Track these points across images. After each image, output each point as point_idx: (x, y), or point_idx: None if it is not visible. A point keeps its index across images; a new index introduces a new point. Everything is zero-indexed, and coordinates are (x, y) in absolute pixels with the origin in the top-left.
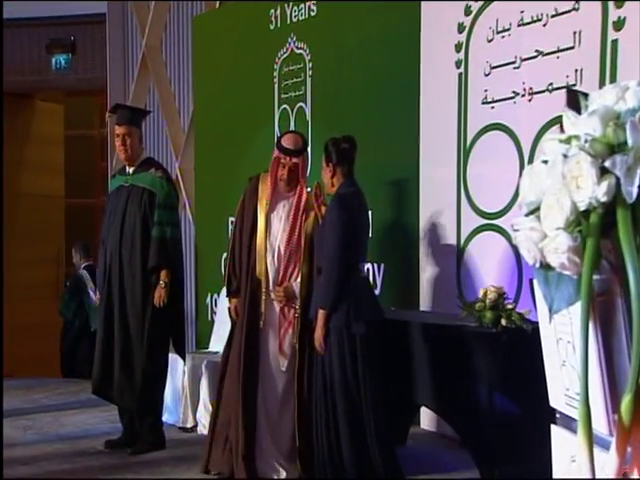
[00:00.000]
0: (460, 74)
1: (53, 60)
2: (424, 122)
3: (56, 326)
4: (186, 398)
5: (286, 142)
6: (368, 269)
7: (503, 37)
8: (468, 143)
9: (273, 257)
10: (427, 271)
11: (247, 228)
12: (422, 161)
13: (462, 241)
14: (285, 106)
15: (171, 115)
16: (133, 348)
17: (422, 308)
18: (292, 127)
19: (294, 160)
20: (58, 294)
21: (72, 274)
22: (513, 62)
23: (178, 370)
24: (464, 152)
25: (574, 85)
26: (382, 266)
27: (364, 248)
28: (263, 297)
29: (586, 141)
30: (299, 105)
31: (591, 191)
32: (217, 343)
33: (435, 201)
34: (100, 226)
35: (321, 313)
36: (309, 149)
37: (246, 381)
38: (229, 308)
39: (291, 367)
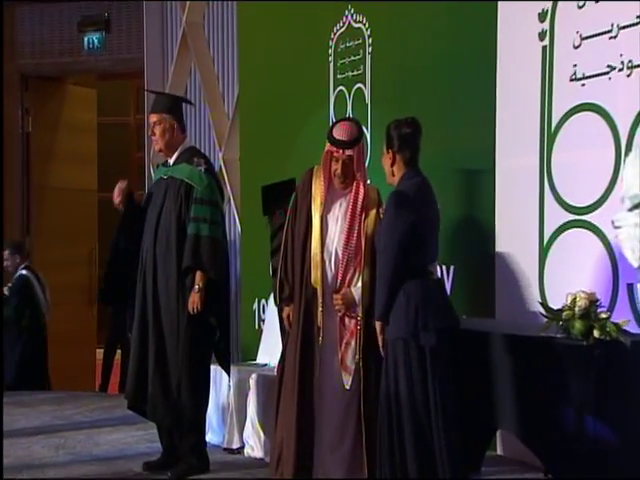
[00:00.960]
0: (544, 47)
1: (85, 40)
2: (501, 103)
3: (91, 334)
4: (232, 416)
5: (338, 133)
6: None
7: (597, 1)
8: (553, 127)
9: (330, 262)
10: (504, 274)
11: (300, 231)
12: (498, 148)
13: (545, 239)
14: (341, 88)
15: (214, 99)
16: (168, 358)
17: (498, 316)
18: (349, 111)
19: (348, 153)
20: (92, 299)
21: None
22: (609, 31)
23: (222, 385)
24: (548, 137)
25: None
26: (452, 268)
27: (433, 246)
28: (320, 308)
29: None
30: (357, 86)
31: None
32: (265, 354)
33: (513, 194)
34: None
35: (378, 325)
36: (368, 136)
37: (302, 404)
38: (281, 317)
39: (355, 385)
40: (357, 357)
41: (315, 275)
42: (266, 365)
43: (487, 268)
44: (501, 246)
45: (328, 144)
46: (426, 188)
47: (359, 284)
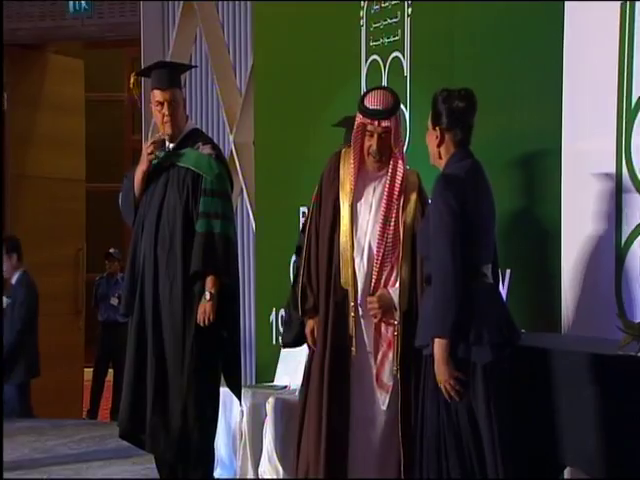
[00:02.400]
0: (623, 5)
1: (70, 2)
2: (569, 74)
3: (77, 350)
4: (244, 448)
5: (371, 101)
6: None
7: None
8: (633, 103)
9: (362, 258)
10: (571, 279)
11: (326, 224)
12: (566, 128)
13: (623, 239)
14: (375, 57)
15: (224, 72)
16: (171, 380)
17: (564, 330)
18: (385, 82)
19: (384, 124)
20: (79, 308)
21: (97, 281)
22: None
23: (233, 411)
24: (627, 115)
25: None
26: (507, 273)
27: (489, 244)
28: (352, 313)
29: None
30: (394, 55)
31: None
32: (284, 374)
33: (584, 183)
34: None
35: (439, 343)
36: (407, 115)
37: (332, 428)
38: (304, 332)
39: (394, 403)
40: (395, 370)
41: (345, 274)
42: (285, 387)
43: (551, 272)
44: (568, 245)
45: (359, 116)
46: (480, 173)
47: (397, 285)
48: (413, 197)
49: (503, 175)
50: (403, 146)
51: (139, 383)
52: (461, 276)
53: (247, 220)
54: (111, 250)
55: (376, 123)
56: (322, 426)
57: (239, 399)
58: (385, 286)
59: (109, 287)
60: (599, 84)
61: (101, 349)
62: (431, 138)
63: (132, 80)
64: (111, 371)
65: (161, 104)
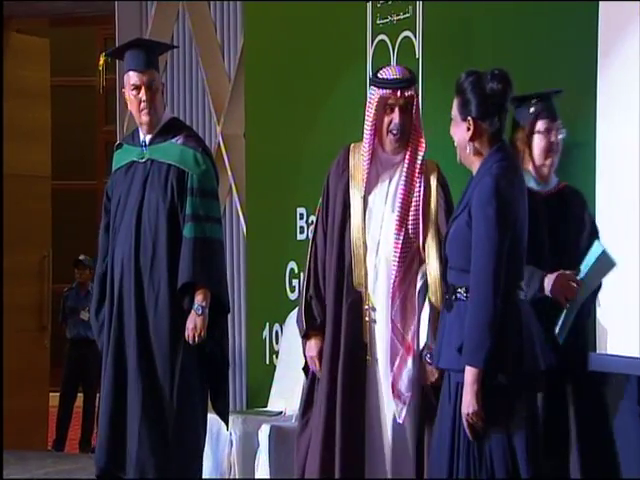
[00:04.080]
0: None
1: None
2: (603, 59)
3: (42, 371)
4: None
5: (388, 73)
6: None
7: None
8: None
9: (377, 255)
10: (608, 291)
11: (336, 221)
12: (600, 118)
13: None
14: (382, 37)
15: (210, 53)
16: (158, 406)
17: (600, 349)
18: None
19: (408, 93)
20: (44, 324)
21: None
22: None
23: (221, 440)
24: None
25: None
26: None
27: (524, 257)
28: (366, 317)
29: None
30: (404, 35)
31: None
32: (280, 398)
33: (622, 180)
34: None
35: (471, 372)
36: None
37: (347, 456)
38: (306, 354)
39: (412, 416)
40: (416, 377)
41: (359, 275)
42: (281, 413)
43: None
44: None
45: (376, 91)
46: (520, 176)
47: (420, 280)
48: (433, 182)
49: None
50: (422, 125)
51: (119, 412)
52: (501, 297)
53: (237, 223)
54: (81, 257)
55: (398, 93)
56: (336, 449)
57: (227, 426)
58: (404, 283)
59: (79, 299)
60: (636, 70)
61: (69, 370)
62: (459, 131)
63: (102, 61)
64: (81, 395)
65: (137, 88)
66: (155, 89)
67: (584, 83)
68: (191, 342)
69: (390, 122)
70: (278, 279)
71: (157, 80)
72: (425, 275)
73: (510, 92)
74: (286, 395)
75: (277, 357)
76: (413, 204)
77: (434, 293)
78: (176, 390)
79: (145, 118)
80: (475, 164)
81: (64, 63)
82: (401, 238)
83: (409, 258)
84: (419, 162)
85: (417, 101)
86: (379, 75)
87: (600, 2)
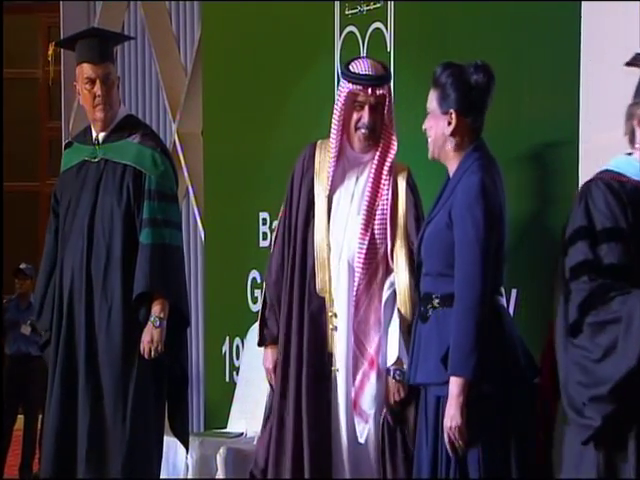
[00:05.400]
0: None
1: None
2: (586, 54)
3: None
4: None
5: (361, 67)
6: None
7: None
8: None
9: (340, 259)
10: None
11: (300, 221)
12: (583, 116)
13: None
14: (351, 28)
15: (165, 45)
16: (109, 429)
17: None
18: None
19: (380, 92)
20: None
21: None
22: None
23: (177, 464)
24: None
25: None
26: (513, 293)
27: (504, 258)
28: (330, 325)
29: None
30: (375, 27)
31: None
32: (240, 418)
33: None
34: (45, 226)
35: (456, 383)
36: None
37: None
38: (266, 366)
39: (375, 438)
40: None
41: (322, 279)
42: (242, 435)
43: None
44: None
45: (346, 85)
46: (499, 174)
47: (387, 291)
48: (402, 184)
49: (509, 173)
50: (394, 124)
51: (66, 434)
52: (488, 302)
53: (194, 228)
54: (22, 266)
55: (369, 90)
56: (305, 464)
57: (186, 449)
58: (368, 291)
59: (19, 312)
60: (620, 67)
61: (9, 390)
62: (437, 125)
63: (50, 52)
64: (21, 417)
65: (92, 82)
66: (111, 83)
67: (565, 76)
68: (147, 356)
69: (359, 120)
70: (239, 289)
71: (113, 74)
72: (393, 285)
73: (493, 86)
74: (247, 415)
75: (238, 374)
76: (380, 207)
77: (403, 304)
78: (130, 411)
79: (100, 114)
80: (452, 161)
81: (4, 54)
82: (366, 243)
83: (374, 265)
84: (388, 163)
85: (390, 100)
86: (350, 68)
87: (583, 2)
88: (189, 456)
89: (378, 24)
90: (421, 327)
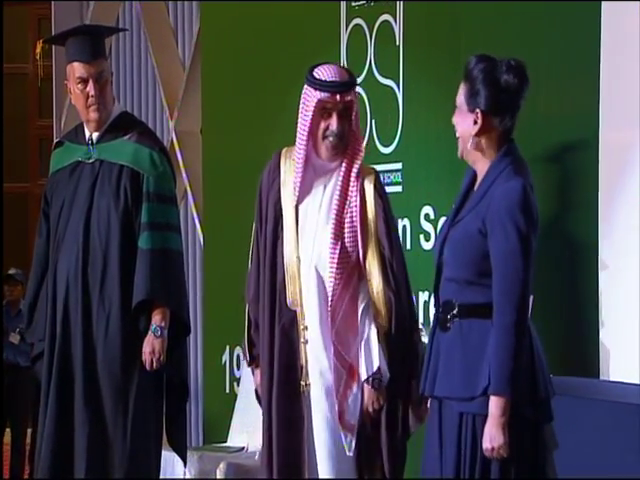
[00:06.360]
0: None
1: None
2: (606, 49)
3: None
4: None
5: (326, 74)
6: None
7: None
8: None
9: (310, 271)
10: (613, 308)
11: (269, 234)
12: (603, 115)
13: None
14: (358, 21)
15: (162, 38)
16: (109, 444)
17: (604, 376)
18: (370, 55)
19: (348, 98)
20: None
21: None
22: None
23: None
24: None
25: None
26: (530, 300)
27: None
28: (302, 338)
29: None
30: (383, 19)
31: None
32: (241, 432)
33: (628, 183)
34: (35, 231)
35: (499, 402)
36: (399, 95)
37: None
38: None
39: (361, 449)
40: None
41: (293, 292)
42: (242, 449)
43: (585, 300)
44: (608, 263)
45: (312, 92)
46: (531, 182)
47: (362, 303)
48: (370, 189)
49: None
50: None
51: (63, 451)
52: (527, 315)
53: (192, 231)
54: (11, 271)
55: (337, 97)
56: None
57: (185, 463)
58: (343, 300)
59: (9, 320)
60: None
61: None
62: (464, 122)
63: (39, 49)
64: (8, 431)
65: (84, 81)
66: (104, 81)
67: (585, 73)
68: (148, 368)
69: (327, 128)
70: (240, 295)
71: (106, 70)
72: (367, 294)
73: (526, 88)
74: (249, 428)
75: (238, 385)
76: (348, 214)
77: (379, 312)
78: (130, 426)
79: (94, 115)
80: (480, 162)
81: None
82: (337, 252)
83: (347, 274)
84: (355, 169)
85: (357, 106)
86: (315, 75)
87: (603, 2)
88: (187, 471)
89: (387, 16)
90: (440, 336)
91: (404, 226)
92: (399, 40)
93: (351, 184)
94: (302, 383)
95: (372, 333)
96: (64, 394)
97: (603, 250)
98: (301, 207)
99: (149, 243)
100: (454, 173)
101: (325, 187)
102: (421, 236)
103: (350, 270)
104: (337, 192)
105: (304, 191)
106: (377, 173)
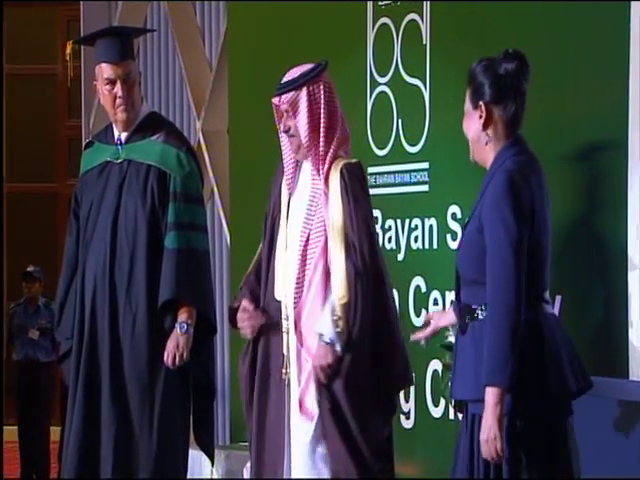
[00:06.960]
0: None
1: None
2: (635, 48)
3: None
4: None
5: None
6: None
7: None
8: None
9: (292, 262)
10: None
11: (268, 229)
12: (632, 114)
13: None
14: (385, 20)
15: (189, 39)
16: (136, 443)
17: (633, 376)
18: (397, 53)
19: (278, 100)
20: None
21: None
22: None
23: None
24: None
25: None
26: (557, 300)
27: (549, 265)
28: (283, 328)
29: None
30: (410, 18)
31: None
32: None
33: None
34: (65, 231)
35: (493, 393)
36: (426, 94)
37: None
38: None
39: (320, 436)
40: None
41: (279, 282)
42: None
43: (614, 301)
44: (637, 264)
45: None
46: (540, 172)
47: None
48: (335, 176)
49: (553, 174)
50: (322, 125)
51: (90, 449)
52: (521, 308)
53: (219, 231)
54: (30, 268)
55: (277, 100)
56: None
57: (212, 462)
58: (310, 291)
59: (27, 316)
60: None
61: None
62: (472, 123)
63: (68, 50)
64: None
65: (112, 82)
66: (132, 82)
67: (614, 71)
68: (171, 364)
69: (287, 128)
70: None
71: (134, 71)
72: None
73: (527, 72)
74: None
75: None
76: (314, 209)
77: (338, 284)
78: (157, 424)
79: (122, 115)
80: (488, 158)
81: (21, 49)
82: (304, 240)
83: (314, 263)
84: (317, 164)
85: (307, 104)
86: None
87: (632, 2)
88: (215, 470)
89: (413, 16)
90: (460, 339)
91: (431, 225)
92: (426, 39)
93: (318, 178)
94: (283, 371)
95: (330, 301)
96: (91, 393)
97: (632, 250)
98: (292, 201)
99: (175, 243)
100: (481, 172)
101: (306, 183)
102: (448, 235)
103: (317, 260)
104: (310, 187)
105: (294, 188)
106: (349, 163)
